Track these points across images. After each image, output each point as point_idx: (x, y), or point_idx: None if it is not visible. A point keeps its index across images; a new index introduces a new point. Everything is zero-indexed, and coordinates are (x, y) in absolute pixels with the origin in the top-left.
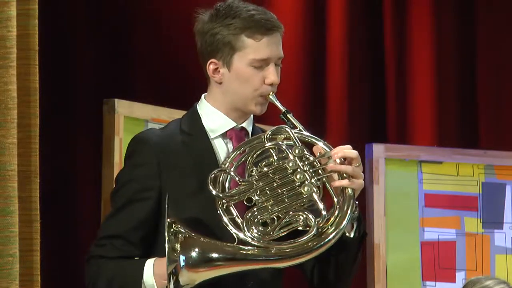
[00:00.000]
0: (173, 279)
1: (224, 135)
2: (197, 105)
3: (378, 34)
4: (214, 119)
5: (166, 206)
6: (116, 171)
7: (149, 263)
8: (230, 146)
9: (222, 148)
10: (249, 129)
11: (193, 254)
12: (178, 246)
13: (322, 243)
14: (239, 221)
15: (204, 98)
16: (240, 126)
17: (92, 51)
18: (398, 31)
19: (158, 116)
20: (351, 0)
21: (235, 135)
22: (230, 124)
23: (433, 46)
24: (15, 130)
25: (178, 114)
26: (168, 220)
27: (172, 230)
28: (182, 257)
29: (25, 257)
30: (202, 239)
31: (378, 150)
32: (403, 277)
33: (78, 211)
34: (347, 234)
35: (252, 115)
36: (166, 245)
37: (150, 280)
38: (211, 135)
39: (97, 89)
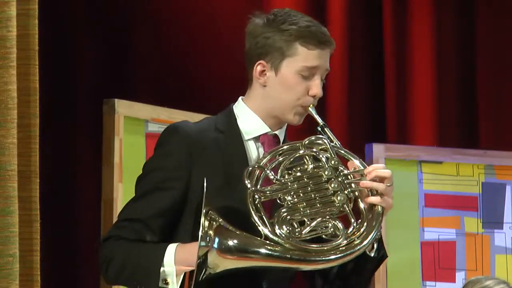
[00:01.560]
0: (200, 266)
1: (257, 139)
2: (233, 106)
3: (378, 34)
4: (250, 121)
5: (204, 193)
6: (116, 171)
7: (171, 248)
8: (261, 151)
9: (253, 151)
10: (281, 138)
11: (226, 241)
12: (211, 232)
13: (347, 252)
14: (266, 219)
15: (242, 100)
16: (273, 133)
17: (92, 51)
18: (398, 31)
19: (158, 116)
20: (351, 0)
21: (268, 141)
22: (264, 129)
23: (433, 46)
24: (15, 130)
25: (178, 114)
26: (205, 209)
27: (207, 217)
28: (216, 240)
29: (25, 257)
30: (235, 229)
31: (378, 150)
32: (403, 277)
33: (78, 211)
34: (368, 252)
35: (285, 126)
36: (200, 230)
37: (170, 265)
38: (245, 136)
39: (97, 89)
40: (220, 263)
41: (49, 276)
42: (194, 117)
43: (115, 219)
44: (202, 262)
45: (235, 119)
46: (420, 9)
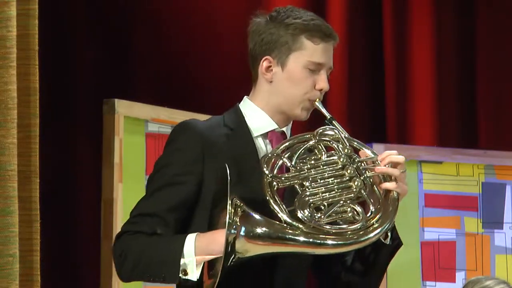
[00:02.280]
0: (229, 253)
1: (265, 136)
2: (240, 104)
3: (378, 34)
4: (257, 118)
5: (228, 181)
6: (116, 171)
7: (191, 237)
8: (269, 148)
9: (261, 148)
10: (288, 135)
11: (253, 227)
12: (237, 219)
13: (366, 237)
14: (283, 205)
15: (248, 98)
16: (281, 130)
17: (92, 51)
18: (398, 31)
19: (158, 116)
20: (351, 0)
21: (276, 138)
22: (272, 125)
23: (433, 46)
24: (15, 130)
25: (178, 114)
26: (230, 197)
27: (233, 205)
28: (243, 228)
29: (25, 257)
30: (260, 216)
31: (378, 150)
32: (403, 277)
33: (78, 211)
34: (382, 240)
35: (291, 123)
36: (227, 218)
37: (190, 254)
38: (253, 133)
39: (97, 89)
40: (249, 249)
41: (49, 276)
42: (194, 117)
43: (115, 219)
44: (230, 249)
45: (243, 117)
46: (420, 9)
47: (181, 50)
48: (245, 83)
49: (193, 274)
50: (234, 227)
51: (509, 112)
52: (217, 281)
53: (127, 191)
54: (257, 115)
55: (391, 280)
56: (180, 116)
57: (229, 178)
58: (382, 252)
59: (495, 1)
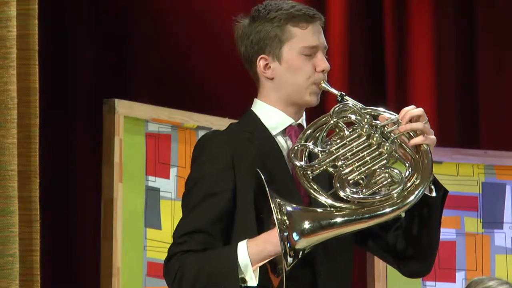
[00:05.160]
0: (288, 250)
1: (283, 133)
2: (251, 108)
3: (378, 33)
4: (272, 117)
5: (265, 184)
6: (116, 171)
7: (242, 245)
8: (290, 143)
9: (283, 145)
10: (305, 126)
11: (302, 222)
12: (285, 217)
13: (412, 197)
14: (322, 190)
15: (258, 100)
16: (297, 123)
17: (92, 51)
18: (398, 31)
19: (158, 116)
20: (351, 0)
21: (294, 132)
22: (288, 120)
23: (433, 45)
24: (15, 130)
25: (178, 114)
26: (272, 198)
27: (276, 204)
28: (293, 225)
29: (25, 257)
30: (304, 208)
31: None
32: (403, 277)
33: (78, 211)
34: (429, 194)
35: (304, 114)
36: (275, 218)
37: (245, 260)
38: (272, 132)
39: (97, 89)
40: (304, 243)
41: (49, 276)
42: (193, 117)
43: (115, 219)
44: (289, 248)
45: (258, 119)
46: (420, 8)
47: (181, 50)
48: (244, 84)
49: (252, 281)
50: (285, 226)
51: (509, 112)
52: (284, 281)
53: (127, 191)
54: (270, 114)
55: (391, 280)
56: (180, 116)
57: (264, 180)
58: (433, 205)
59: (495, 2)
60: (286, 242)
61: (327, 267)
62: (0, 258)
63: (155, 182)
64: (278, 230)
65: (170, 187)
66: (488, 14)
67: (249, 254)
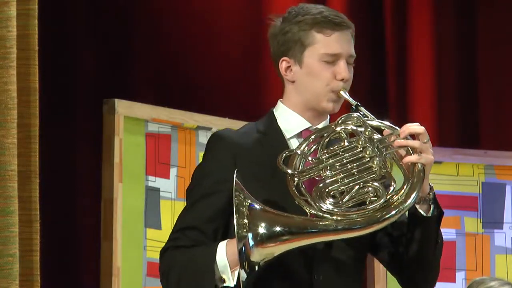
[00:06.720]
0: (244, 263)
1: (299, 135)
2: (273, 109)
3: (378, 34)
4: (289, 119)
5: (234, 189)
6: (116, 171)
7: (222, 245)
8: None
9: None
10: None
11: (264, 230)
12: (245, 220)
13: (391, 213)
14: (309, 198)
15: (280, 102)
16: (315, 127)
17: (92, 51)
18: (398, 31)
19: (158, 116)
20: (351, 0)
21: None
22: (305, 124)
23: (433, 45)
24: (15, 130)
25: (178, 114)
26: (236, 193)
27: (239, 211)
28: (250, 235)
29: (25, 257)
30: (269, 211)
31: None
32: None
33: (78, 211)
34: (424, 214)
35: (328, 118)
36: (235, 220)
37: (223, 260)
38: (286, 135)
39: (97, 89)
40: (266, 252)
41: (49, 276)
42: (193, 117)
43: (115, 219)
44: (245, 258)
45: (275, 120)
46: (420, 9)
47: (181, 50)
48: (244, 84)
49: (230, 281)
50: (244, 230)
51: (509, 112)
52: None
53: (127, 191)
54: (288, 117)
55: (391, 280)
56: (180, 116)
57: (234, 185)
58: (429, 227)
59: (495, 2)
60: (243, 254)
61: (327, 274)
62: (0, 258)
63: (155, 182)
64: (237, 240)
65: (170, 187)
66: (488, 14)
67: (227, 255)
